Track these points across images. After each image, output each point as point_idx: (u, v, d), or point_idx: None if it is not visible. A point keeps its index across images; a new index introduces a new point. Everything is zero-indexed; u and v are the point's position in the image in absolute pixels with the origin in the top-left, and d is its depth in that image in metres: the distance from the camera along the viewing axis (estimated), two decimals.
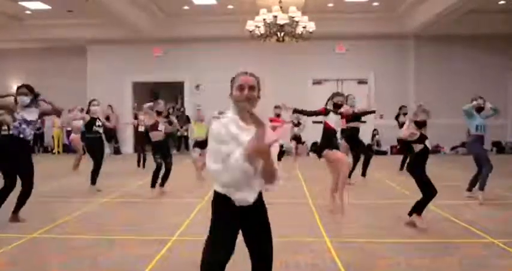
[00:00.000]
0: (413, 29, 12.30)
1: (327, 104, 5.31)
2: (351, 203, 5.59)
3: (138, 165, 9.94)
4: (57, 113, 5.49)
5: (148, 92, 14.85)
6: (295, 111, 5.74)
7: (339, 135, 5.44)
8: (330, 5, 11.78)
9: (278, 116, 8.31)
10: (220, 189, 2.05)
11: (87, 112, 7.03)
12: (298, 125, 9.34)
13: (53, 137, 14.14)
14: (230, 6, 11.83)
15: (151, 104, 6.75)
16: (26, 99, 4.86)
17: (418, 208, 4.52)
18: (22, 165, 4.78)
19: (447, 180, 6.74)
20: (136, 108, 12.45)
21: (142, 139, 9.81)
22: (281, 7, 8.98)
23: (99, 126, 6.93)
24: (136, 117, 10.57)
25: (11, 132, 4.75)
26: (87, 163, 7.55)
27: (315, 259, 3.58)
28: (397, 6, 12.04)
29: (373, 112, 7.90)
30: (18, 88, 4.94)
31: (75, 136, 8.87)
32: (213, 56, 13.23)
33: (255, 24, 9.13)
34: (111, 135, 13.37)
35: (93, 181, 6.78)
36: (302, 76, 13.34)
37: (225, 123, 1.99)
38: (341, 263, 3.47)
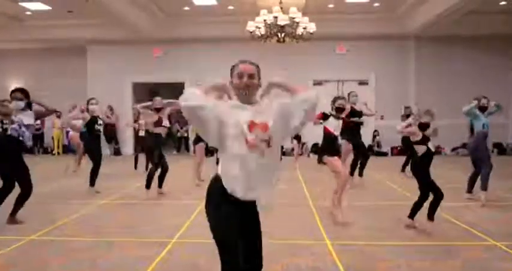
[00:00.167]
0: (414, 29, 12.28)
1: (332, 108, 5.20)
2: (351, 205, 5.57)
3: (135, 168, 9.88)
4: (51, 112, 5.47)
5: (148, 92, 14.80)
6: None
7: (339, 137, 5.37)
8: (331, 5, 11.75)
9: None
10: (225, 181, 2.02)
11: (86, 111, 7.01)
12: None
13: (52, 138, 14.09)
14: (230, 7, 11.80)
15: (143, 104, 6.79)
16: (21, 103, 4.83)
17: (428, 213, 4.44)
18: (15, 168, 4.75)
19: (448, 181, 6.69)
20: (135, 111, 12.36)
21: (142, 144, 9.74)
22: (281, 8, 8.95)
23: (100, 125, 6.92)
24: (136, 121, 10.51)
25: (9, 133, 4.70)
26: (87, 165, 7.53)
27: (316, 262, 3.55)
28: (397, 7, 12.02)
29: (373, 115, 7.97)
30: (12, 92, 4.90)
31: (75, 135, 8.84)
32: (214, 57, 13.17)
33: (256, 25, 9.10)
34: (112, 136, 13.35)
35: (92, 182, 6.75)
36: (303, 77, 13.24)
37: (228, 104, 2.09)
38: (342, 266, 3.45)
